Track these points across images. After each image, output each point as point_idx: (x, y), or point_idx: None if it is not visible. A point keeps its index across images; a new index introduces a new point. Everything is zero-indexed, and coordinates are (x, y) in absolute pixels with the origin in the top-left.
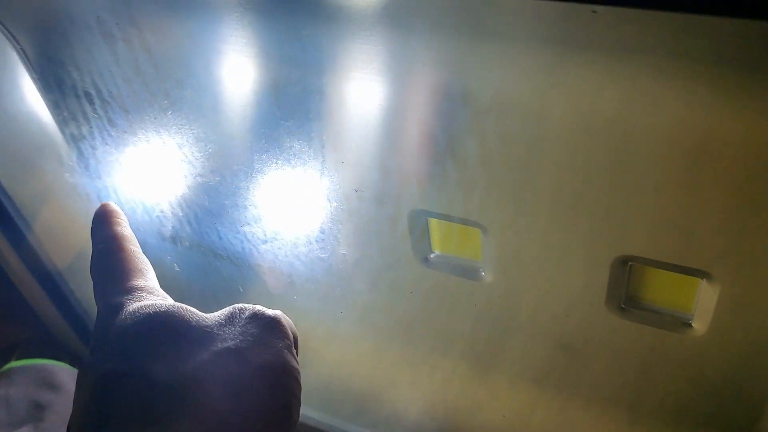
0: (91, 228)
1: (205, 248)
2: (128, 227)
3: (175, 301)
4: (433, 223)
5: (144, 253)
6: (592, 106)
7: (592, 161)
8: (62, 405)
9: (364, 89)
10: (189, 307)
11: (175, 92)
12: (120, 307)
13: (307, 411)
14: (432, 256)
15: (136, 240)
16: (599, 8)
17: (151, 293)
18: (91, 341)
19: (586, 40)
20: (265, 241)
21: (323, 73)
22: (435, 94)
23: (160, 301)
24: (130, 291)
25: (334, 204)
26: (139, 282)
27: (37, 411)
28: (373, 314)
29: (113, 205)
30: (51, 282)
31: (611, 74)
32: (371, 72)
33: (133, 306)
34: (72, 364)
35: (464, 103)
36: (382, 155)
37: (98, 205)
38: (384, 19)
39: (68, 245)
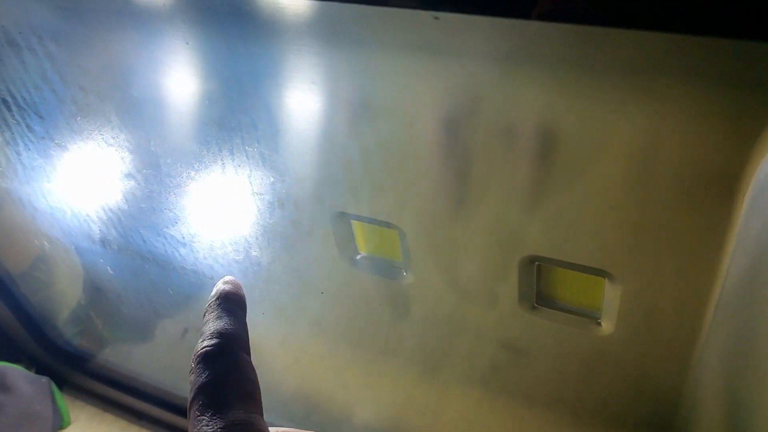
0: (208, 311)
1: (132, 251)
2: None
3: (102, 300)
4: (357, 225)
5: (77, 256)
6: (496, 113)
7: (494, 165)
8: (14, 405)
9: (286, 99)
10: None
11: (81, 99)
12: None
13: None
14: (358, 257)
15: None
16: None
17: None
18: None
19: (476, 49)
20: (183, 244)
21: (240, 79)
22: (351, 105)
23: None
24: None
25: (251, 208)
26: (249, 413)
27: None
28: (318, 318)
29: (238, 286)
30: (4, 288)
31: (512, 81)
32: (295, 82)
33: None
34: (27, 366)
35: (376, 112)
36: (303, 161)
37: (32, 210)
38: (309, 34)
39: (18, 252)
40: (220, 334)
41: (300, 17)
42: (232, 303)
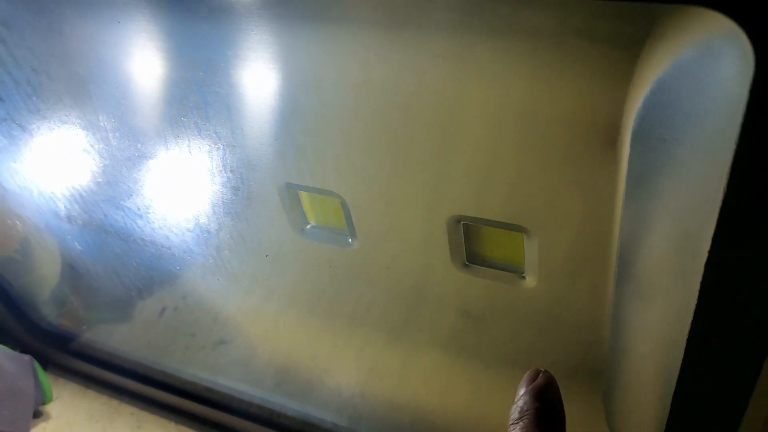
0: (527, 419)
1: (96, 225)
2: None
3: (78, 279)
4: (304, 196)
5: (43, 233)
6: (420, 82)
7: (421, 133)
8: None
9: (233, 76)
10: None
11: (34, 80)
12: None
13: (231, 383)
14: (308, 227)
15: None
16: None
17: None
18: None
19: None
20: (140, 216)
21: (187, 56)
22: (294, 80)
23: None
24: None
25: (199, 179)
26: None
27: None
28: (283, 289)
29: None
30: None
31: (440, 52)
32: (243, 60)
33: None
34: (11, 347)
35: (315, 88)
36: (250, 135)
37: (1, 190)
38: (264, 12)
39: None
40: None
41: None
42: (556, 418)
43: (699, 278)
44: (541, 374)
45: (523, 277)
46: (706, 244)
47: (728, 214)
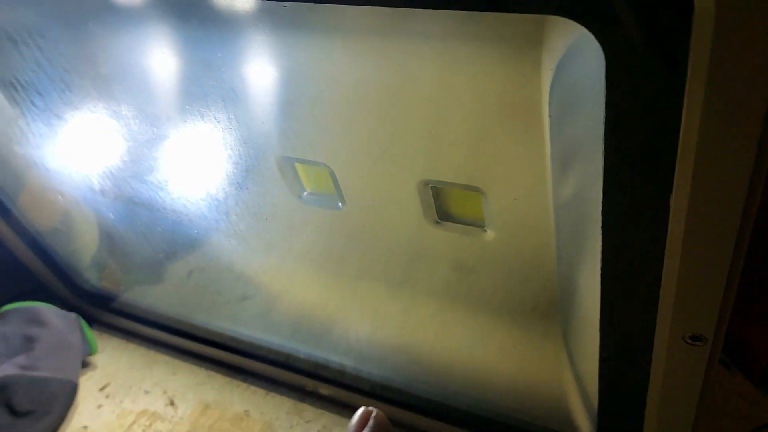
0: None
1: (125, 198)
2: None
3: (114, 246)
4: (299, 167)
5: (82, 206)
6: (390, 76)
7: (391, 113)
8: (49, 337)
9: (237, 68)
10: None
11: (66, 77)
12: None
13: (252, 333)
14: (305, 194)
15: None
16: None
17: None
18: None
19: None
20: (161, 189)
21: (191, 51)
22: (281, 74)
23: None
24: None
25: (206, 154)
26: None
27: (29, 343)
28: (295, 250)
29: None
30: (36, 244)
31: (398, 50)
32: (247, 55)
33: None
34: (60, 306)
35: (308, 75)
36: (245, 117)
37: (44, 170)
38: (248, 20)
39: (45, 212)
40: None
41: (237, 10)
42: None
43: (600, 221)
44: (372, 417)
45: (485, 230)
46: (599, 193)
47: (610, 166)
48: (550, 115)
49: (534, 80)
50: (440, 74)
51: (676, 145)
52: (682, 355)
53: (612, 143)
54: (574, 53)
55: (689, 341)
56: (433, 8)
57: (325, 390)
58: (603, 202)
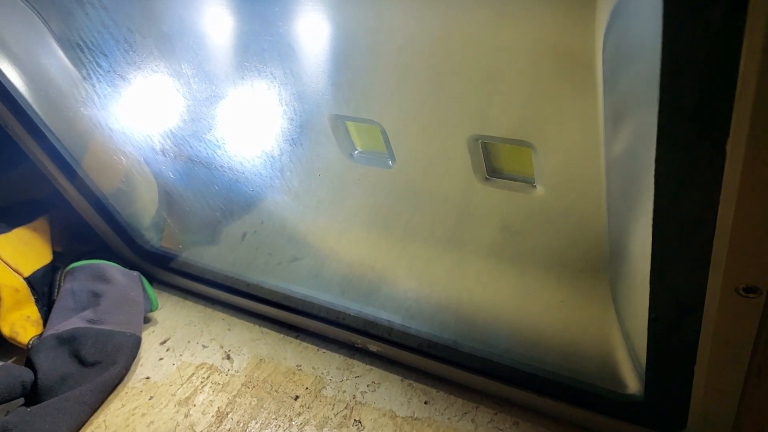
0: None
1: (185, 157)
2: None
3: (174, 206)
4: (351, 126)
5: (143, 167)
6: (441, 26)
7: (441, 67)
8: (113, 293)
9: (294, 28)
10: None
11: (130, 38)
12: None
13: (304, 291)
14: (356, 153)
15: None
16: None
17: None
18: None
19: None
20: (218, 147)
21: (251, 11)
22: (335, 29)
23: None
24: None
25: (261, 113)
26: None
27: (95, 298)
28: (344, 211)
29: None
30: (100, 205)
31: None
32: (303, 13)
33: None
34: (123, 265)
35: (355, 34)
36: (300, 73)
37: (108, 132)
38: None
39: (109, 175)
40: None
41: None
42: None
43: (653, 171)
44: None
45: (535, 187)
46: (653, 147)
47: (664, 117)
48: (603, 66)
49: (588, 27)
50: (492, 24)
51: (734, 88)
52: (734, 308)
53: (668, 84)
54: None
55: (742, 293)
56: None
57: (374, 346)
58: (657, 150)
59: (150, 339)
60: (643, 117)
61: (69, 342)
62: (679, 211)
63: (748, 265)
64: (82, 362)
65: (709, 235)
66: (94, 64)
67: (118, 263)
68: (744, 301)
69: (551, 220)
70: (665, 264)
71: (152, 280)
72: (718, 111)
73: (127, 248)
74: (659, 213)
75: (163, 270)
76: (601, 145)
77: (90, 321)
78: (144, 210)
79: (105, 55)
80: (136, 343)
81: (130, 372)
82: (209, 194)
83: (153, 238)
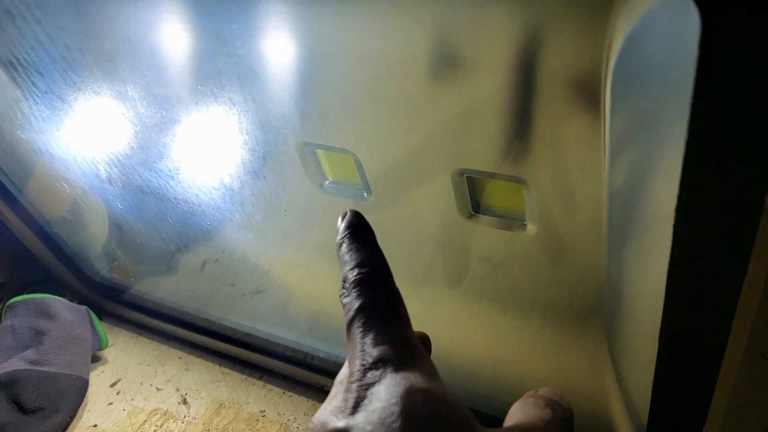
0: (346, 242)
1: (134, 186)
2: None
3: (124, 236)
4: (321, 154)
5: (90, 195)
6: (421, 50)
7: (422, 93)
8: (58, 331)
9: (256, 47)
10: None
11: (68, 55)
12: (385, 365)
13: (268, 329)
14: (326, 183)
15: None
16: None
17: (418, 359)
18: (345, 391)
19: None
20: (171, 177)
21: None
22: (302, 50)
23: (441, 393)
24: (397, 346)
25: (220, 141)
26: (406, 334)
27: (38, 336)
28: (312, 242)
29: (363, 216)
30: (45, 233)
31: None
32: (266, 31)
33: (406, 377)
34: (69, 299)
35: (332, 57)
36: (263, 98)
37: (50, 157)
38: None
39: (54, 201)
40: (370, 262)
41: None
42: (367, 233)
43: (672, 222)
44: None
45: (525, 225)
46: (676, 189)
47: (691, 161)
48: (611, 97)
49: (595, 55)
50: (481, 47)
51: None
52: (757, 373)
53: (699, 125)
54: (652, 21)
55: None
56: None
57: None
58: (679, 196)
59: (99, 381)
60: (660, 151)
61: (8, 386)
62: (700, 265)
63: None
64: (21, 409)
65: (735, 292)
66: (30, 83)
67: (64, 296)
68: None
69: (541, 259)
70: (678, 321)
71: (102, 314)
72: (761, 153)
73: (74, 279)
74: (676, 265)
75: (115, 303)
76: (605, 182)
77: (32, 362)
78: (92, 239)
79: (41, 74)
80: (82, 387)
81: (75, 419)
82: (162, 226)
83: (103, 268)
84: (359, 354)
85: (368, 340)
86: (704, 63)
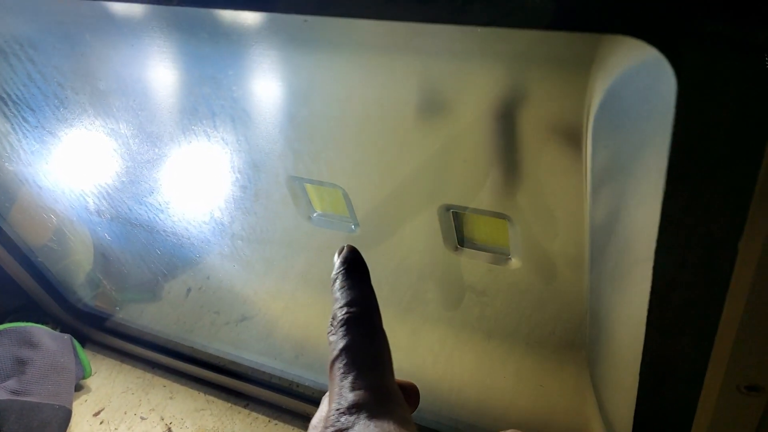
0: (339, 278)
1: (123, 219)
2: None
3: (109, 265)
4: (310, 187)
5: (76, 224)
6: (407, 93)
7: (409, 133)
8: (41, 360)
9: (244, 88)
10: None
11: (60, 93)
12: (359, 411)
13: (253, 357)
14: (314, 215)
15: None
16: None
17: (393, 406)
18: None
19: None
20: (161, 211)
21: (194, 71)
22: (290, 93)
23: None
24: (374, 392)
25: (211, 176)
26: (384, 380)
27: (20, 366)
28: (298, 271)
29: (359, 253)
30: (28, 261)
31: (418, 71)
32: (254, 74)
33: (379, 426)
34: (52, 326)
35: (318, 97)
36: (254, 138)
37: (37, 188)
38: (258, 38)
39: (36, 229)
40: (359, 302)
41: (250, 25)
42: (361, 272)
43: (651, 263)
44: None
45: (509, 259)
46: (654, 223)
47: (669, 206)
48: (592, 144)
49: (576, 105)
50: (467, 94)
51: (753, 184)
52: (734, 405)
53: (676, 176)
54: (630, 77)
55: (744, 391)
56: (477, 25)
57: None
58: (658, 240)
59: (82, 410)
60: (640, 193)
61: None
62: (679, 301)
63: (753, 363)
64: None
65: (712, 327)
66: (20, 118)
67: (47, 323)
68: (745, 399)
69: (524, 292)
70: (659, 349)
71: (85, 341)
72: (734, 205)
73: (57, 306)
74: (656, 300)
75: (98, 330)
76: (586, 219)
77: (14, 392)
78: (76, 266)
79: (32, 109)
80: (65, 417)
81: None
82: (150, 257)
83: (86, 296)
84: (336, 397)
85: (346, 383)
86: (680, 118)
